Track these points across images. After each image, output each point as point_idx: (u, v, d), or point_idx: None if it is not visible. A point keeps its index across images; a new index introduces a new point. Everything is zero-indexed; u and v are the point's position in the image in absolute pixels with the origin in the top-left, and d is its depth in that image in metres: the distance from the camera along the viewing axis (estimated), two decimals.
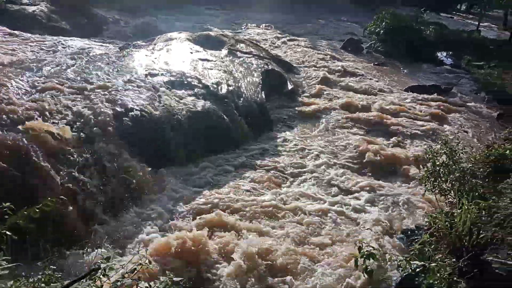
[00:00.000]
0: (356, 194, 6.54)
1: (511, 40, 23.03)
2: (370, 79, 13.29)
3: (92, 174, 5.48)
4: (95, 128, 6.10)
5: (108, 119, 6.36)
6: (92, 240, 4.87)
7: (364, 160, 7.64)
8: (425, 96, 11.82)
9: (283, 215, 5.79)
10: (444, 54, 19.10)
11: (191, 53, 10.58)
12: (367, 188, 6.69)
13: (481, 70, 15.49)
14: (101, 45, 11.96)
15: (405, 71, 15.35)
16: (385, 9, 20.55)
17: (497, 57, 17.89)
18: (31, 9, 15.35)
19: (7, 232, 2.73)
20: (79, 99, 6.68)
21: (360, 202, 6.31)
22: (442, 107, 11.04)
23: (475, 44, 20.03)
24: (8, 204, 2.80)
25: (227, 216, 5.55)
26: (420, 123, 9.75)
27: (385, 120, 9.61)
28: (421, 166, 6.75)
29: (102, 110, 6.49)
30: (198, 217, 5.50)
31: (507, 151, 6.52)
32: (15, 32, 11.19)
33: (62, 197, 3.73)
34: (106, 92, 7.14)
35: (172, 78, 8.55)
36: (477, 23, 28.50)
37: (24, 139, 5.07)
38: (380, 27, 18.02)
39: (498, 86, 13.54)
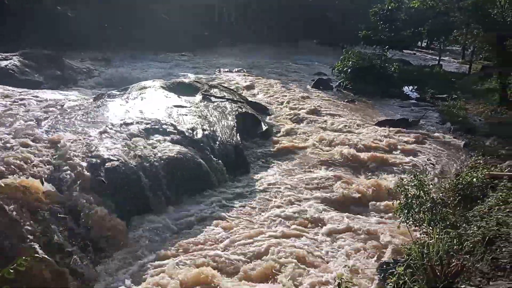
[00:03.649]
0: (333, 229, 6.62)
1: (470, 72, 24.45)
2: (341, 116, 13.77)
3: (67, 228, 5.40)
4: (69, 181, 6.08)
5: (82, 170, 6.35)
6: None
7: (339, 195, 7.80)
8: (394, 129, 12.28)
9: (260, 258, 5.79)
10: (410, 88, 20.09)
11: (166, 100, 10.78)
12: (344, 223, 6.79)
13: (445, 102, 16.28)
14: (75, 96, 12.05)
15: (374, 106, 15.97)
16: (351, 49, 21.62)
17: (458, 89, 18.93)
18: (3, 63, 15.41)
19: None
20: (53, 152, 6.66)
21: (337, 236, 6.40)
22: (411, 139, 11.49)
23: (438, 78, 21.16)
24: None
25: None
26: (391, 155, 10.09)
27: (356, 154, 9.89)
28: (394, 199, 6.93)
29: (76, 162, 6.49)
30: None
31: (474, 179, 6.82)
32: None
33: (36, 255, 3.66)
34: (80, 144, 7.15)
35: (147, 126, 8.65)
36: (437, 57, 30.25)
37: None
38: (348, 66, 18.86)
39: (462, 116, 14.23)
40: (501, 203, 5.56)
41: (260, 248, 6.00)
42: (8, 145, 6.65)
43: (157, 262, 5.57)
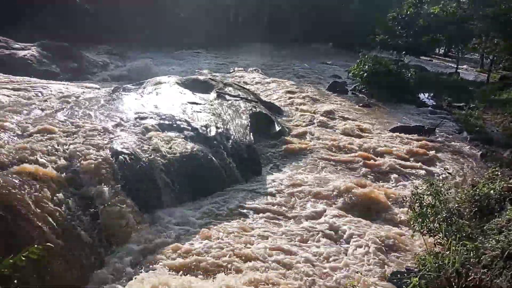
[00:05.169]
0: (345, 236, 6.51)
1: (488, 81, 24.05)
2: (355, 120, 13.62)
3: (82, 219, 5.42)
4: (84, 172, 6.10)
5: (97, 162, 6.36)
6: None
7: (352, 201, 7.66)
8: (410, 136, 12.09)
9: (270, 260, 5.72)
10: (426, 95, 19.82)
11: (180, 96, 10.78)
12: (356, 230, 6.67)
13: (462, 111, 16.01)
14: (91, 89, 12.11)
15: (389, 112, 15.76)
16: (367, 53, 21.43)
17: (476, 98, 18.61)
18: (22, 53, 15.61)
19: None
20: (69, 143, 6.69)
21: (349, 244, 6.29)
22: (426, 147, 11.29)
23: (455, 86, 20.85)
24: None
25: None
26: (405, 163, 9.93)
27: (370, 160, 9.77)
28: (408, 207, 6.81)
29: (91, 153, 6.51)
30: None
31: (492, 191, 6.66)
32: (5, 76, 11.33)
33: (49, 244, 3.66)
34: (95, 136, 7.18)
35: (162, 121, 8.66)
36: (455, 65, 29.81)
37: (13, 183, 5.03)
38: (364, 70, 18.68)
39: (479, 126, 13.97)
40: None
41: (275, 246, 5.99)
42: (26, 133, 6.73)
43: (167, 257, 5.54)
